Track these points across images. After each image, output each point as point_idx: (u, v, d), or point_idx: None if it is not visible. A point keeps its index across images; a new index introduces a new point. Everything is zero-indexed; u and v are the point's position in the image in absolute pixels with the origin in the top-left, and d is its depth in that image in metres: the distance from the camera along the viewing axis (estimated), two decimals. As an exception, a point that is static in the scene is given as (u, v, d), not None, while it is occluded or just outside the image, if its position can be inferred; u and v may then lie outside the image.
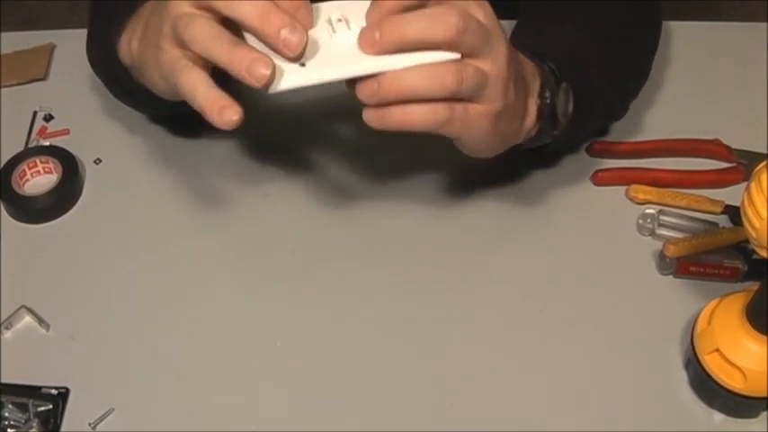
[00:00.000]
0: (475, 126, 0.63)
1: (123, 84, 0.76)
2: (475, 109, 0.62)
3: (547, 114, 0.70)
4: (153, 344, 0.73)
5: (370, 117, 0.60)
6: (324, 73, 0.58)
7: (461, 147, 0.66)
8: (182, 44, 0.60)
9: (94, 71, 0.83)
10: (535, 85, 0.69)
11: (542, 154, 0.78)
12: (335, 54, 0.59)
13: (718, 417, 0.68)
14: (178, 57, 0.61)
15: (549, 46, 0.73)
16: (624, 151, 0.84)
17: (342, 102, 0.87)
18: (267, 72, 0.57)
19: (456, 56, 0.59)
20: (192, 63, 0.60)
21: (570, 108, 0.72)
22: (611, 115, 0.83)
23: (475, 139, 0.64)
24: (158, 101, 0.69)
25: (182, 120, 0.86)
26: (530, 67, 0.69)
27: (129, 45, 0.70)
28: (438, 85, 0.59)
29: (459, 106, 0.61)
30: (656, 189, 0.80)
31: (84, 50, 0.82)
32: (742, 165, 0.82)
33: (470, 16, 0.59)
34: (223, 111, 0.58)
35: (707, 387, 0.68)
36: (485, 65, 0.61)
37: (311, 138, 0.85)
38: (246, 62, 0.57)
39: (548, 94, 0.69)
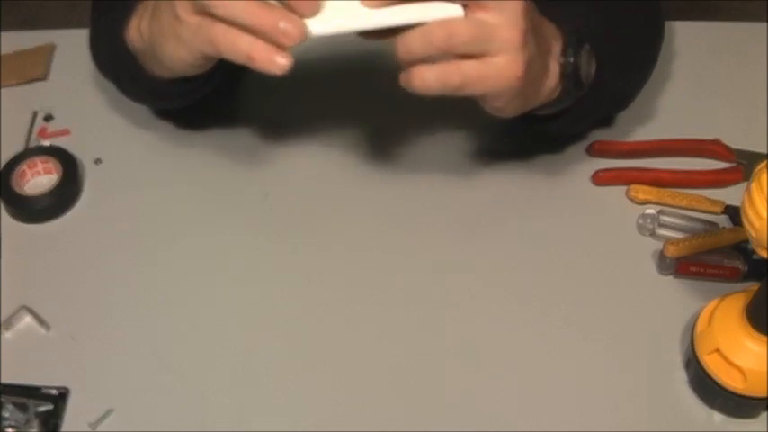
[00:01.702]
0: (497, 82, 0.62)
1: (131, 73, 0.76)
2: (495, 64, 0.61)
3: (570, 74, 0.69)
4: (153, 344, 0.73)
5: (402, 80, 0.62)
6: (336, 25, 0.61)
7: (484, 104, 0.67)
8: (202, 11, 0.61)
9: (99, 67, 0.83)
10: (557, 46, 0.69)
11: (547, 138, 0.77)
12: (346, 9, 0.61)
13: (718, 417, 0.68)
14: (200, 21, 0.61)
15: (562, 21, 0.72)
16: (624, 151, 0.84)
17: (343, 95, 0.87)
18: (296, 31, 0.58)
19: (458, 9, 0.60)
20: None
21: (592, 70, 0.71)
22: (618, 102, 0.83)
23: (498, 96, 0.64)
24: (167, 89, 0.69)
25: (183, 118, 0.86)
26: (550, 27, 0.68)
27: (139, 29, 0.71)
28: (428, 45, 0.59)
29: (470, 64, 0.61)
30: (656, 189, 0.80)
31: (85, 50, 0.82)
32: (742, 165, 0.82)
33: None
34: (274, 57, 0.59)
35: (707, 387, 0.68)
36: (490, 16, 0.60)
37: (312, 137, 0.85)
38: (275, 20, 0.58)
39: (570, 54, 0.69)
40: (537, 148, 0.84)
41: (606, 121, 0.85)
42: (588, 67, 0.71)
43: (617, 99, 0.82)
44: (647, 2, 0.83)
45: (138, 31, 0.71)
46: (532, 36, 0.63)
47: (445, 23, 0.60)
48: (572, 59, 0.69)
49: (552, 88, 0.69)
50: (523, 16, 0.62)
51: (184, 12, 0.62)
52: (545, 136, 0.80)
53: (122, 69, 0.79)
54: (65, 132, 0.87)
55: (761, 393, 0.66)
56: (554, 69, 0.69)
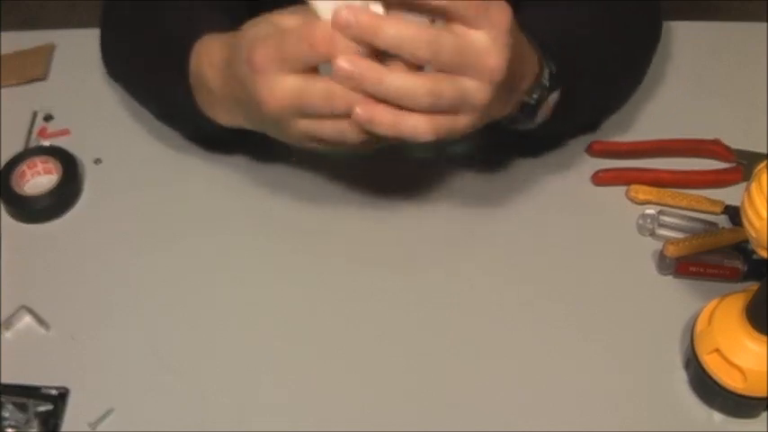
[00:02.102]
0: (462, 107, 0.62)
1: (179, 108, 0.75)
2: (467, 89, 0.60)
3: (527, 110, 0.70)
4: (153, 344, 0.73)
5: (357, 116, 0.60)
6: None
7: None
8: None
9: (116, 75, 0.84)
10: (528, 81, 0.68)
11: (526, 144, 0.77)
12: None
13: (717, 417, 0.68)
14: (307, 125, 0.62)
15: (550, 36, 0.72)
16: (624, 151, 0.84)
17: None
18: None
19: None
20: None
21: (547, 115, 0.72)
22: (598, 116, 0.83)
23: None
24: (224, 135, 0.73)
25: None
26: (529, 59, 0.68)
27: (213, 74, 0.69)
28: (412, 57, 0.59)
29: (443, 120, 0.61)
30: (656, 189, 0.80)
31: (85, 50, 0.82)
32: (742, 165, 0.82)
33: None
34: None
35: (707, 387, 0.68)
36: (477, 36, 0.59)
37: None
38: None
39: (535, 96, 0.70)
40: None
41: (593, 126, 0.85)
42: (548, 109, 0.71)
43: (600, 112, 0.83)
44: (646, 4, 0.83)
45: (211, 76, 0.69)
46: (509, 71, 0.62)
47: (432, 42, 0.58)
48: (533, 101, 0.69)
49: (503, 113, 0.69)
50: (508, 47, 0.60)
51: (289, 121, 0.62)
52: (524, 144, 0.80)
53: (163, 96, 0.78)
54: (65, 132, 0.87)
55: (761, 393, 0.66)
56: (515, 101, 0.69)
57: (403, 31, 0.58)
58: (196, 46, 0.71)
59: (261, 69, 0.60)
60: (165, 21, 0.77)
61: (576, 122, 0.82)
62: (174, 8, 0.76)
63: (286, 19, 0.61)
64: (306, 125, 0.62)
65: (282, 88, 0.60)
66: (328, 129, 0.61)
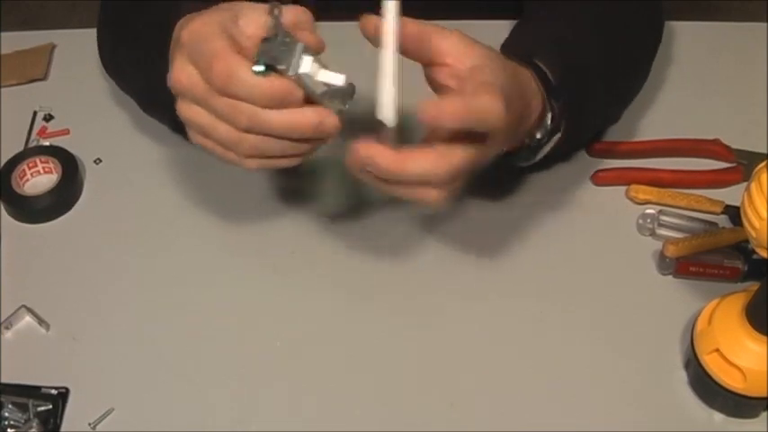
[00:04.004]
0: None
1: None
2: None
3: (527, 151, 0.72)
4: (153, 344, 0.73)
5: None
6: None
7: None
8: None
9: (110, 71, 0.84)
10: (530, 122, 0.69)
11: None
12: None
13: (718, 417, 0.68)
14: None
15: (557, 59, 0.72)
16: (624, 151, 0.84)
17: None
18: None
19: None
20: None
21: (548, 151, 0.73)
22: (605, 124, 0.84)
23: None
24: None
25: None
26: (536, 103, 0.69)
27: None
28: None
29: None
30: (656, 189, 0.80)
31: (85, 50, 0.82)
32: (742, 165, 0.82)
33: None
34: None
35: (707, 387, 0.68)
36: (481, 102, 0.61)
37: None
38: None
39: (538, 136, 0.71)
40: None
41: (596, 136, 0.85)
42: (549, 151, 0.73)
43: (606, 122, 0.84)
44: (649, 12, 0.84)
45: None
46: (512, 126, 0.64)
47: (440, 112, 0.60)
48: (535, 142, 0.71)
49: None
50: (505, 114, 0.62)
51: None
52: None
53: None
54: (65, 132, 0.87)
55: (761, 393, 0.66)
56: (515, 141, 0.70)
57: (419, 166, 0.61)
58: (178, 23, 0.71)
59: (181, 54, 0.62)
60: (154, 10, 0.77)
61: (577, 148, 0.83)
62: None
63: (244, 21, 0.63)
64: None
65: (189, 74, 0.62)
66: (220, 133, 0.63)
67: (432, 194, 0.63)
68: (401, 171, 0.60)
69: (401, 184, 0.62)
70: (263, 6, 0.64)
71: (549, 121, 0.71)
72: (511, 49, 0.73)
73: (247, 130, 0.62)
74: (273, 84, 0.60)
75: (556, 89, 0.70)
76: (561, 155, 0.79)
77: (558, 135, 0.72)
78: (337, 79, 0.62)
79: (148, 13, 0.78)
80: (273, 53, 0.60)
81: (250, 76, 0.59)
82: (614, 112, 0.83)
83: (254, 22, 0.63)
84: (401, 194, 0.63)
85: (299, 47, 0.60)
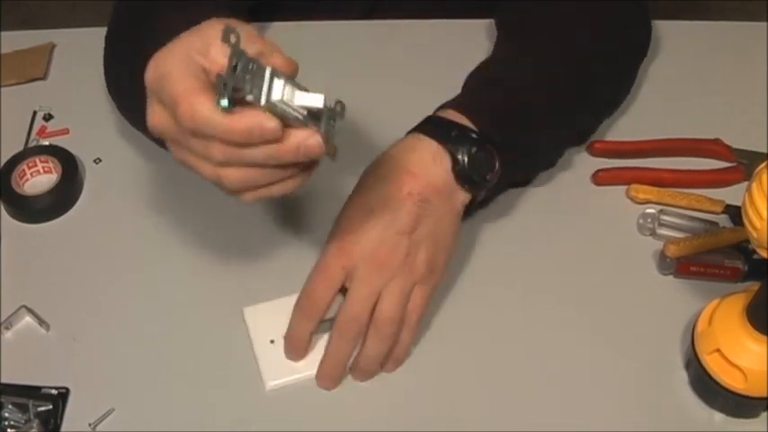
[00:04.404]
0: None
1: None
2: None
3: (466, 183, 0.70)
4: (153, 344, 0.73)
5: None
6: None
7: None
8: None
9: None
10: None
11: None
12: None
13: (718, 417, 0.68)
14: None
15: (478, 103, 0.73)
16: (624, 151, 0.84)
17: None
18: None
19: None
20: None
21: (489, 167, 0.71)
22: (581, 135, 0.84)
23: None
24: None
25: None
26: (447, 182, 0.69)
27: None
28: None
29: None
30: (656, 189, 0.80)
31: (85, 50, 0.82)
32: (742, 164, 0.82)
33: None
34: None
35: (707, 387, 0.68)
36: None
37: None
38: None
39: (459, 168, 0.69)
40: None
41: (579, 141, 0.85)
42: (484, 170, 0.71)
43: (580, 136, 0.84)
44: (634, 12, 0.84)
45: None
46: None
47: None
48: (463, 167, 0.69)
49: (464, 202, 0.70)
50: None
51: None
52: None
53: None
54: (64, 132, 0.87)
55: (761, 393, 0.66)
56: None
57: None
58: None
59: (150, 96, 0.59)
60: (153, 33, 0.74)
61: (538, 170, 0.82)
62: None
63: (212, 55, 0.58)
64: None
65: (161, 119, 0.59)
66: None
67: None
68: None
69: None
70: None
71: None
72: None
73: (226, 165, 0.58)
74: (240, 121, 0.55)
75: (482, 133, 0.70)
76: (518, 181, 0.79)
77: (495, 172, 0.71)
78: (316, 100, 0.56)
79: (146, 38, 0.76)
80: (238, 83, 0.54)
81: (214, 114, 0.54)
82: (589, 123, 0.84)
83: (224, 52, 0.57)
84: None
85: (268, 71, 0.55)
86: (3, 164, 0.83)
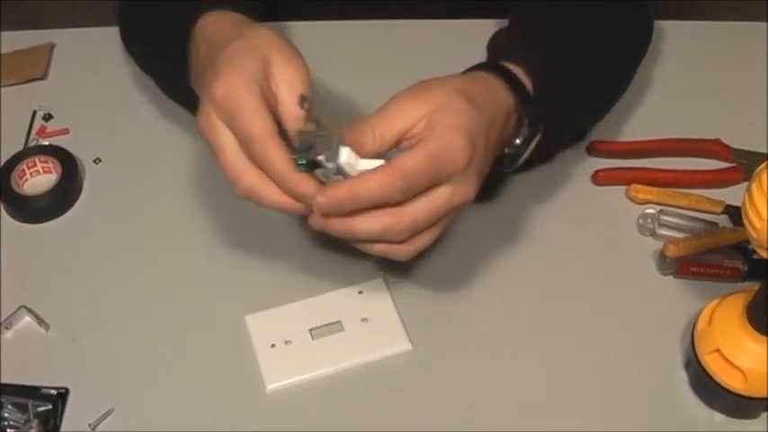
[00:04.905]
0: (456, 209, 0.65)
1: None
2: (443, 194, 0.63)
3: (510, 157, 0.71)
4: (153, 344, 0.73)
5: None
6: None
7: None
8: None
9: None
10: (508, 137, 0.70)
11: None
12: None
13: (718, 417, 0.68)
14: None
15: (536, 62, 0.72)
16: (624, 151, 0.84)
17: (343, 103, 0.87)
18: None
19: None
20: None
21: (531, 152, 0.72)
22: (588, 126, 0.84)
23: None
24: None
25: (183, 116, 0.86)
26: (506, 123, 0.69)
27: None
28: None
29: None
30: (656, 189, 0.80)
31: (85, 50, 0.82)
32: (742, 165, 0.82)
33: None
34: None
35: (707, 387, 0.68)
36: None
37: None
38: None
39: (517, 142, 0.71)
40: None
41: (580, 135, 0.85)
42: (531, 154, 0.72)
43: (588, 125, 0.84)
44: (637, 11, 0.84)
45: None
46: (482, 151, 0.64)
47: (406, 175, 0.60)
48: (514, 150, 0.71)
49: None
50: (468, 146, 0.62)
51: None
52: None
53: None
54: (64, 132, 0.87)
55: (761, 394, 0.65)
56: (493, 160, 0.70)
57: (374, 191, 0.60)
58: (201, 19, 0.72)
59: (211, 107, 0.63)
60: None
61: (558, 149, 0.82)
62: None
63: (275, 70, 0.64)
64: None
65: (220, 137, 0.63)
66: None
67: (398, 249, 0.64)
68: (351, 231, 0.62)
69: (359, 242, 0.63)
70: (293, 59, 0.64)
71: (526, 128, 0.70)
72: (490, 50, 0.74)
73: (252, 193, 0.63)
74: (302, 183, 0.60)
75: (532, 96, 0.70)
76: (544, 156, 0.79)
77: (538, 138, 0.72)
78: (377, 165, 0.61)
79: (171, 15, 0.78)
80: (312, 145, 0.61)
81: (285, 169, 0.60)
82: (597, 114, 0.83)
83: (284, 84, 0.64)
84: (365, 250, 0.64)
85: (335, 139, 0.61)
86: (2, 164, 0.83)
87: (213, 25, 0.71)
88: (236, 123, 0.62)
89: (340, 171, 0.61)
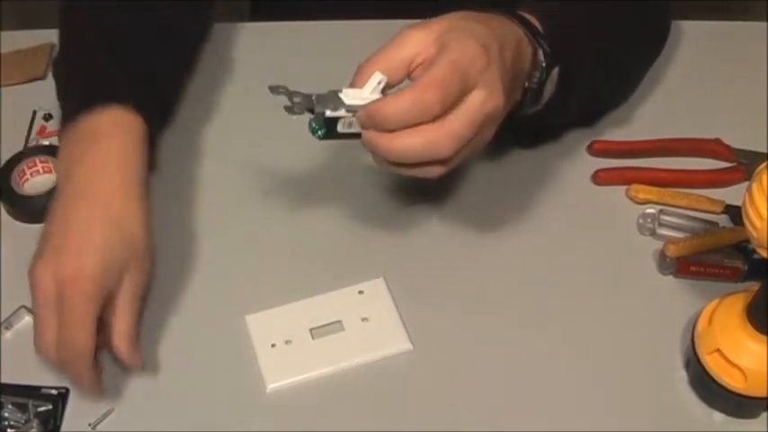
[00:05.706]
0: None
1: None
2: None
3: (530, 96, 0.71)
4: (153, 344, 0.73)
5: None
6: None
7: None
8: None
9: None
10: (527, 70, 0.70)
11: (527, 131, 0.79)
12: None
13: (718, 417, 0.68)
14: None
15: (550, 18, 0.72)
16: (624, 151, 0.84)
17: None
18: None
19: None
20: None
21: (553, 92, 0.72)
22: (603, 104, 0.83)
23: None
24: None
25: (183, 115, 0.86)
26: (524, 54, 0.69)
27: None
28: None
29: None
30: (656, 189, 0.80)
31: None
32: (742, 164, 0.82)
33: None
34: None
35: (707, 387, 0.68)
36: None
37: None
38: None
39: (536, 79, 0.70)
40: (537, 148, 0.84)
41: (587, 122, 0.84)
42: (551, 86, 0.72)
43: (600, 99, 0.83)
44: (653, 13, 0.83)
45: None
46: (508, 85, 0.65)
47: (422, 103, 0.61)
48: (535, 85, 0.70)
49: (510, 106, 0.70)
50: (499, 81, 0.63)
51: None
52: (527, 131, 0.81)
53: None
54: (64, 132, 0.87)
55: (761, 393, 0.65)
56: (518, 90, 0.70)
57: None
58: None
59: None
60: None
61: (580, 102, 0.79)
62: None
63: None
64: None
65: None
66: None
67: (434, 169, 0.64)
68: (400, 148, 0.62)
69: (404, 166, 0.64)
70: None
71: (542, 58, 0.70)
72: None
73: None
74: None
75: (542, 33, 0.70)
76: (562, 112, 0.77)
77: (556, 71, 0.71)
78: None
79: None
80: (311, 107, 0.63)
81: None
82: (612, 89, 0.83)
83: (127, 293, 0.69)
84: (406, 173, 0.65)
85: (328, 91, 0.63)
86: (2, 164, 0.83)
87: (103, 137, 0.73)
88: (63, 318, 0.65)
89: (351, 111, 0.62)
